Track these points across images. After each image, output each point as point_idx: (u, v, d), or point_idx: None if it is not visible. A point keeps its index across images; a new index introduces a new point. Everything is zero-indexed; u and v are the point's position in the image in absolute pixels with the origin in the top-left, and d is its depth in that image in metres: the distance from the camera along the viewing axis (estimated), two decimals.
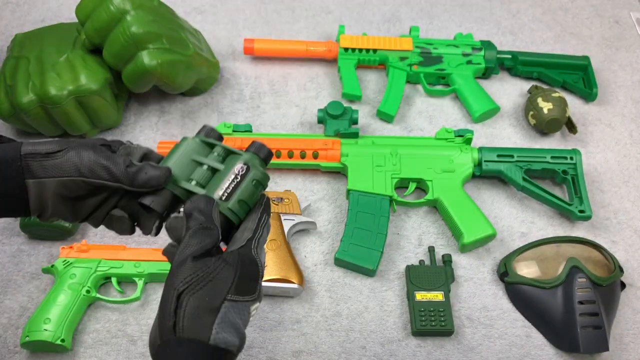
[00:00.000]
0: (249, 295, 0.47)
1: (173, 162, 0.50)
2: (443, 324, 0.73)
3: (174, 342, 0.42)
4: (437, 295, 0.75)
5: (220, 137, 0.54)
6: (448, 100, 0.99)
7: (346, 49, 0.99)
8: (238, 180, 0.50)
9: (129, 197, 0.50)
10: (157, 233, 0.51)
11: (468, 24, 1.11)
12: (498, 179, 0.89)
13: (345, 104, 0.95)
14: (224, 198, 0.49)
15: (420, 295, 0.75)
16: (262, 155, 0.52)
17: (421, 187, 0.86)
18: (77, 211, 0.50)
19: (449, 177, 0.84)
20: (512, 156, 0.86)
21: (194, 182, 0.50)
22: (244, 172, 0.50)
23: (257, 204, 0.51)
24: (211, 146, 0.53)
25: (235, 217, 0.49)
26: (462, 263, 0.81)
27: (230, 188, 0.49)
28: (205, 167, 0.51)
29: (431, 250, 0.80)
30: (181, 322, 0.42)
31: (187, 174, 0.50)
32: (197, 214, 0.47)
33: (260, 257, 0.48)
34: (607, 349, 0.70)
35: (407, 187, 0.86)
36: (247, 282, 0.47)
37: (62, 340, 0.68)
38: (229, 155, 0.52)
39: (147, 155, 0.52)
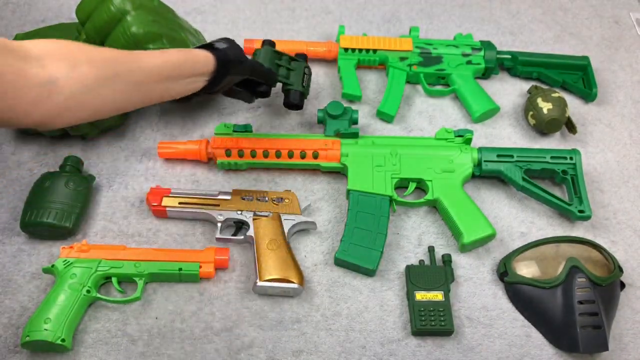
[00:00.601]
0: None
1: (268, 65, 0.82)
2: (443, 323, 0.73)
3: None
4: (437, 295, 0.75)
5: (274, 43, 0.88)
6: (448, 100, 0.99)
7: (346, 49, 0.99)
8: (306, 75, 0.87)
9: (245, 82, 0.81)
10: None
11: (468, 24, 1.11)
12: (498, 179, 0.89)
13: (345, 104, 0.95)
14: (304, 86, 0.86)
15: (420, 295, 0.75)
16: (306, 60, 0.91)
17: (421, 187, 0.86)
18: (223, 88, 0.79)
19: (448, 177, 0.84)
20: (511, 156, 0.86)
21: (280, 77, 0.84)
22: (308, 71, 0.88)
23: None
24: (278, 53, 0.86)
25: (307, 94, 0.88)
26: (462, 263, 0.81)
27: (305, 80, 0.87)
28: (284, 68, 0.85)
29: (431, 250, 0.80)
30: None
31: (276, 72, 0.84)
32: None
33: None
34: (606, 349, 0.70)
35: (407, 187, 0.86)
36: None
37: (63, 340, 0.68)
38: (291, 60, 0.87)
39: None
